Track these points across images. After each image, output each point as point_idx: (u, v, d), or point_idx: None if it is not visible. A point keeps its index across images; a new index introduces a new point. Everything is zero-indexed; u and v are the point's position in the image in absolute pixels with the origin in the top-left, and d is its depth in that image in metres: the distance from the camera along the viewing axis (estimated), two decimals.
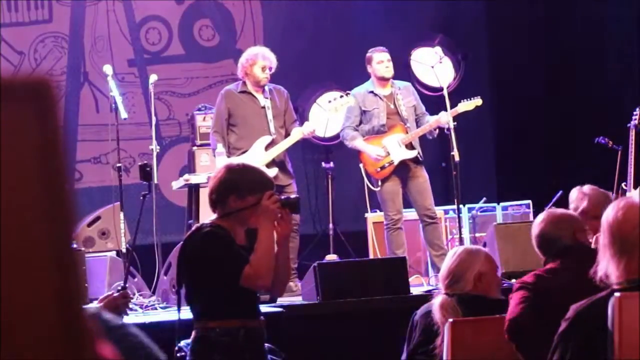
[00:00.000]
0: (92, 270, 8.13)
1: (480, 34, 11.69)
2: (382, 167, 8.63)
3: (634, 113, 9.29)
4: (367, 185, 8.78)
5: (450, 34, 11.16)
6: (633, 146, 9.18)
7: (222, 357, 4.60)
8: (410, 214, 8.94)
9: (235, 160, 6.54)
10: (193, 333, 4.69)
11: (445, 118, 8.51)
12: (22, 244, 0.86)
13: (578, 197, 5.89)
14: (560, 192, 9.75)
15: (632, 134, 9.22)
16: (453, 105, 8.69)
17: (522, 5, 11.35)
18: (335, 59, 11.05)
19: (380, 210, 9.04)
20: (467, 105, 8.78)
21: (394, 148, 8.64)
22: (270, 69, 8.41)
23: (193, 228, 4.94)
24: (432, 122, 8.65)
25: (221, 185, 4.72)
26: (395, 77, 8.94)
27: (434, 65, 8.97)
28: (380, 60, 8.75)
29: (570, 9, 11.18)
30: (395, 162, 8.62)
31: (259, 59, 8.40)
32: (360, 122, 8.79)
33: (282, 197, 4.78)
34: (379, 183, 8.66)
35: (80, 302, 0.88)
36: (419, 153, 8.68)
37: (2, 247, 0.85)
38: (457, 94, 9.45)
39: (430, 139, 8.97)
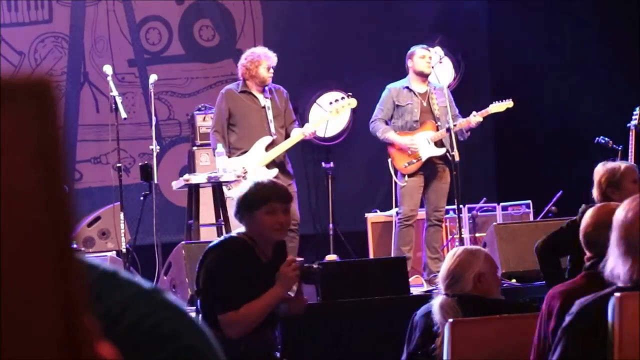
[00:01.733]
0: None
1: (480, 34, 11.69)
2: (410, 163, 8.63)
3: (634, 113, 9.29)
4: (394, 181, 8.77)
5: (450, 34, 11.16)
6: (633, 146, 9.18)
7: None
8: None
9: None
10: None
11: (475, 119, 8.55)
12: (21, 245, 0.86)
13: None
14: (560, 192, 9.76)
15: (632, 134, 9.22)
16: (455, 105, 8.70)
17: (522, 4, 11.35)
18: (335, 59, 11.05)
19: (383, 210, 9.03)
20: (498, 107, 8.82)
21: (423, 144, 8.64)
22: (273, 68, 8.42)
23: (222, 237, 5.00)
24: (462, 122, 8.64)
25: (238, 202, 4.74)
26: (395, 78, 8.95)
27: (434, 65, 8.98)
28: (422, 55, 8.79)
29: (571, 9, 11.18)
30: (423, 159, 8.62)
31: (264, 59, 8.40)
32: (392, 117, 8.79)
33: (306, 265, 4.74)
34: (405, 178, 8.66)
35: (81, 304, 0.88)
36: (447, 152, 8.66)
37: (1, 248, 0.85)
38: (458, 94, 9.45)
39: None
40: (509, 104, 8.85)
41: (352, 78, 10.01)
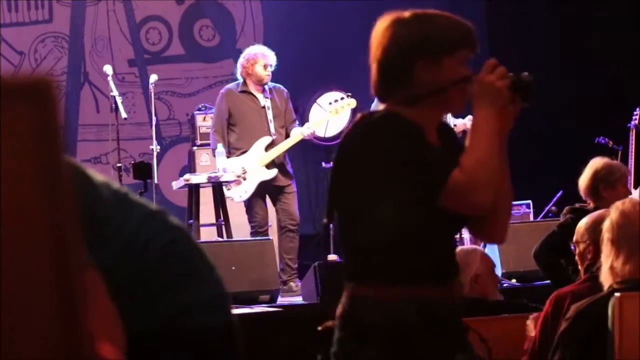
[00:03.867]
0: None
1: (480, 34, 11.66)
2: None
3: (634, 113, 9.30)
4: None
5: None
6: (633, 146, 9.18)
7: (379, 353, 2.81)
8: None
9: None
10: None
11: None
12: (22, 244, 0.86)
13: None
14: (561, 192, 9.76)
15: (632, 134, 9.22)
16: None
17: (522, 5, 11.35)
18: (335, 59, 11.05)
19: None
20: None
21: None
22: (270, 66, 8.41)
23: (355, 118, 3.11)
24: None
25: (396, 48, 3.03)
26: None
27: None
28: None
29: (570, 9, 11.18)
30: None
31: (260, 57, 8.39)
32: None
33: (511, 73, 3.02)
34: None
35: (81, 302, 0.88)
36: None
37: (2, 248, 0.85)
38: None
39: None
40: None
41: (352, 78, 9.98)
